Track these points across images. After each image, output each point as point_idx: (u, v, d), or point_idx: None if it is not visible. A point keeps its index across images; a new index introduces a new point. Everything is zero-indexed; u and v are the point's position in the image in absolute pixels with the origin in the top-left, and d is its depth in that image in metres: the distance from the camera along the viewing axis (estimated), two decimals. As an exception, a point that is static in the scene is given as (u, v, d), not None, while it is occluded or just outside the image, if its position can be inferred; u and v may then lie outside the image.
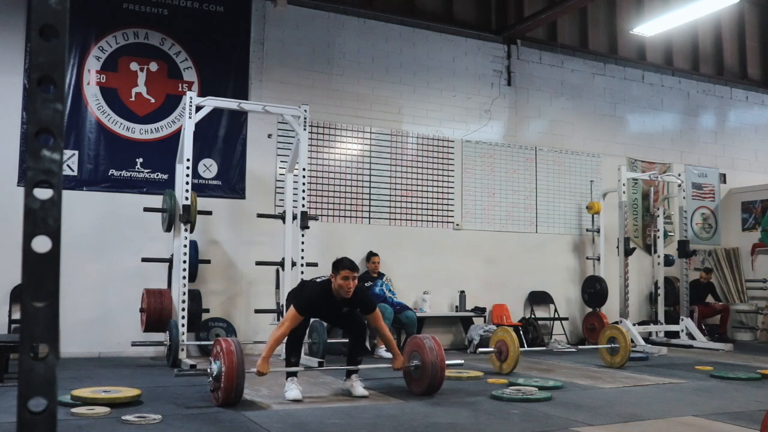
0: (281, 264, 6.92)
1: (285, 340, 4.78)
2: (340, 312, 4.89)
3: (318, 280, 5.01)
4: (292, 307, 4.75)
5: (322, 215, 8.14)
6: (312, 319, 6.80)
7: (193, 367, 5.91)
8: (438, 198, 8.96)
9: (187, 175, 6.39)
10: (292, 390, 4.62)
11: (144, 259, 6.98)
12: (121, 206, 7.31)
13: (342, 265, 4.72)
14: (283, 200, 7.45)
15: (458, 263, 8.88)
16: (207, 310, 7.27)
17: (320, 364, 6.25)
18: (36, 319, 0.93)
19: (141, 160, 7.50)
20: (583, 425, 3.91)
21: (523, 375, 5.89)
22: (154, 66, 7.66)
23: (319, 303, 4.78)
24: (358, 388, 4.82)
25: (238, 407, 4.31)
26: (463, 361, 5.43)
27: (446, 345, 8.73)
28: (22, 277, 0.94)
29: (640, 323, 9.41)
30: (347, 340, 5.19)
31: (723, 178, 11.19)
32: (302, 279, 6.19)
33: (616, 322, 8.22)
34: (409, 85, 8.94)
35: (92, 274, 7.12)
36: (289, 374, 4.71)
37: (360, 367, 5.00)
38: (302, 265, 6.58)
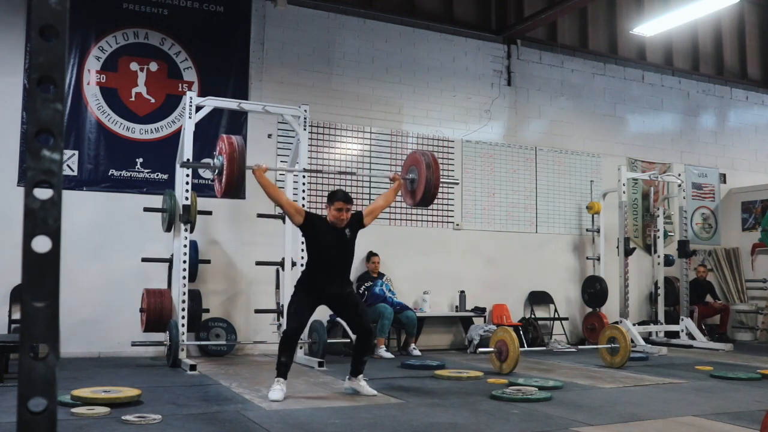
0: (281, 264, 6.92)
1: (279, 340, 4.78)
2: (343, 238, 4.94)
3: None
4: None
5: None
6: (312, 319, 6.82)
7: (193, 368, 5.92)
8: (438, 198, 8.92)
9: (187, 175, 6.40)
10: (275, 391, 4.61)
11: (144, 259, 6.98)
12: (121, 206, 7.31)
13: (336, 197, 4.95)
14: (283, 200, 7.45)
15: (458, 263, 8.88)
16: (207, 310, 7.27)
17: (320, 364, 6.25)
18: (36, 319, 0.93)
19: (141, 160, 7.50)
20: (583, 425, 3.91)
21: (523, 375, 5.89)
22: (154, 66, 7.66)
23: (320, 222, 4.99)
24: (367, 387, 4.85)
25: (238, 407, 4.32)
26: (458, 180, 5.82)
27: (446, 345, 8.73)
28: (22, 277, 0.94)
29: (640, 323, 9.41)
30: (349, 341, 5.19)
31: (723, 178, 11.19)
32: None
33: (616, 322, 8.22)
34: (409, 85, 8.94)
35: (92, 274, 7.11)
36: (279, 374, 4.69)
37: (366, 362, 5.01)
38: (302, 265, 6.56)
